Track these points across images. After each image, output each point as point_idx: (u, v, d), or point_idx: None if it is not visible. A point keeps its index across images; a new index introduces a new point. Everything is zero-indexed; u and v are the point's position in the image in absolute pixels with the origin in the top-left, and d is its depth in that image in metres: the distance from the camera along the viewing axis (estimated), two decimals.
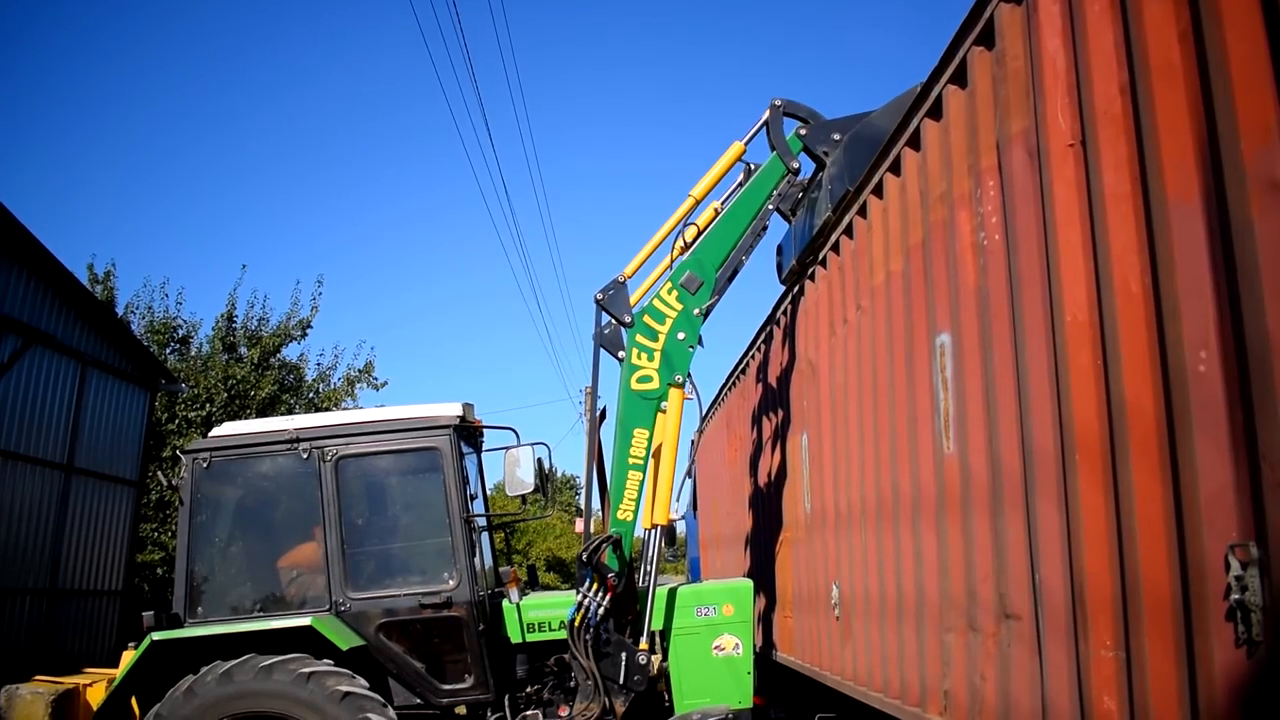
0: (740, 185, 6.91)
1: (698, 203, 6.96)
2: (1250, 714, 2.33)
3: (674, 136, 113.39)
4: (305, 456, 6.55)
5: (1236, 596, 2.34)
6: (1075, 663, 3.13)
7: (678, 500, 6.95)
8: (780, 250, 7.59)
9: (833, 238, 6.09)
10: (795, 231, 7.08)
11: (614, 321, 6.67)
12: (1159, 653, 2.70)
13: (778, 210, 6.82)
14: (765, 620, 8.00)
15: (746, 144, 6.86)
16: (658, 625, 6.55)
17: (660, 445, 6.49)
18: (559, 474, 51.42)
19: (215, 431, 6.92)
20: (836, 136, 6.51)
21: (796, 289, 7.05)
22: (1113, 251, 2.90)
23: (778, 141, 6.69)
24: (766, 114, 6.72)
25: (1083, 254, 3.10)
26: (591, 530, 6.62)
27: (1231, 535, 2.39)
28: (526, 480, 6.70)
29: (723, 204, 6.95)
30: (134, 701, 6.42)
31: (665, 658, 6.61)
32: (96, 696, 7.46)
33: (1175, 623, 2.63)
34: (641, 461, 6.45)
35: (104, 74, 70.90)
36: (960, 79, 4.08)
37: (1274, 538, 2.24)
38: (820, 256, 6.39)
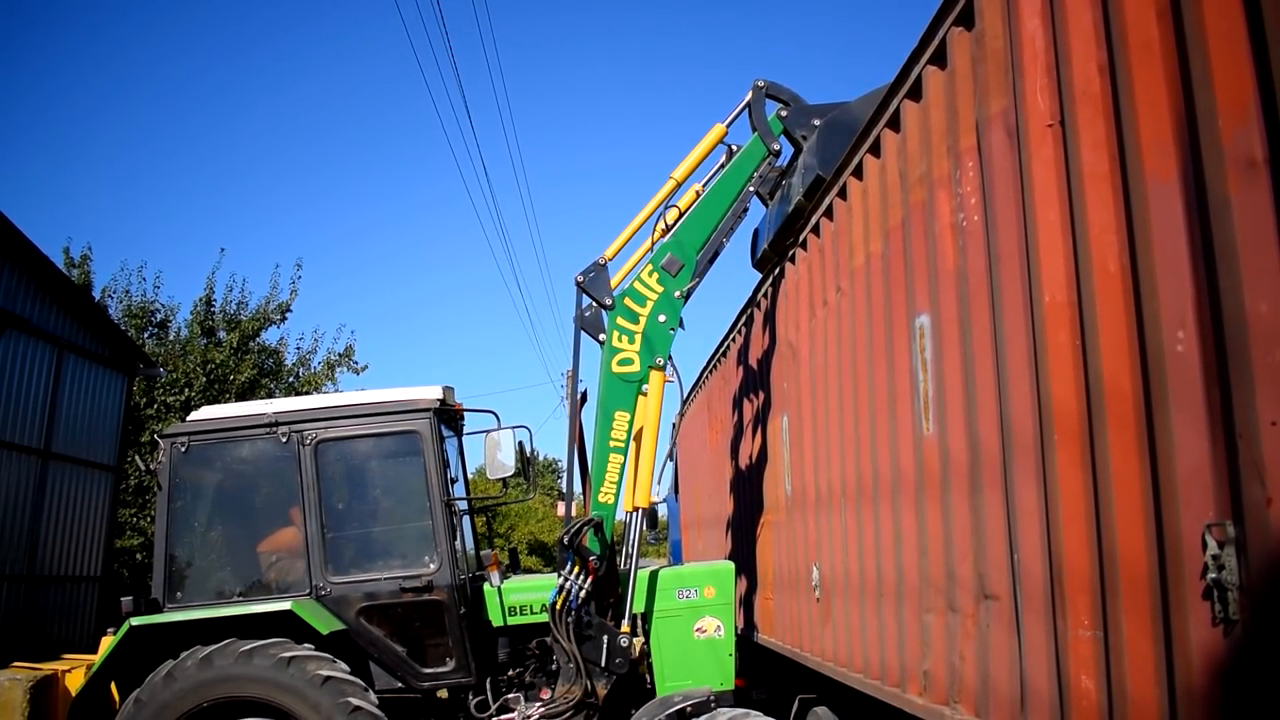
0: (722, 167, 6.89)
1: (679, 185, 6.91)
2: (1227, 692, 2.35)
3: (655, 127, 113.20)
4: (284, 440, 6.52)
5: (1213, 575, 2.35)
6: (1053, 642, 3.14)
7: (659, 483, 6.94)
8: (755, 234, 7.57)
9: (813, 220, 6.07)
10: (769, 216, 7.06)
11: (595, 304, 6.63)
12: (1136, 632, 2.71)
13: (756, 193, 6.80)
14: (746, 602, 8.02)
15: (728, 126, 6.83)
16: (639, 608, 6.55)
17: (641, 428, 6.48)
18: (540, 457, 51.40)
19: (193, 416, 6.86)
20: (816, 121, 6.49)
21: (777, 271, 7.03)
22: (1091, 231, 2.90)
23: (759, 123, 6.66)
24: (749, 95, 6.69)
25: (1061, 234, 3.09)
26: (573, 513, 6.60)
27: (1209, 514, 2.39)
28: (507, 463, 6.69)
29: (704, 186, 6.92)
30: (113, 687, 6.40)
31: (647, 640, 6.62)
32: (75, 682, 7.45)
33: (1153, 602, 2.64)
34: (623, 444, 6.44)
35: (80, 59, 70.02)
36: (940, 60, 4.06)
37: (1251, 516, 2.24)
38: (800, 239, 6.37)
